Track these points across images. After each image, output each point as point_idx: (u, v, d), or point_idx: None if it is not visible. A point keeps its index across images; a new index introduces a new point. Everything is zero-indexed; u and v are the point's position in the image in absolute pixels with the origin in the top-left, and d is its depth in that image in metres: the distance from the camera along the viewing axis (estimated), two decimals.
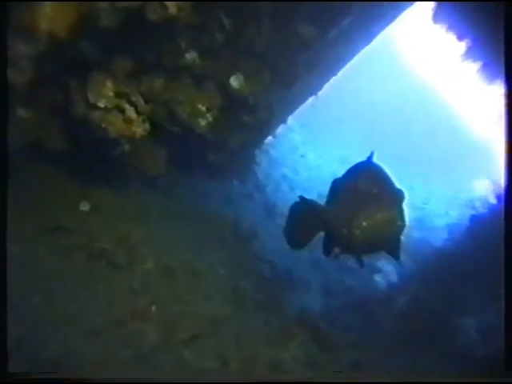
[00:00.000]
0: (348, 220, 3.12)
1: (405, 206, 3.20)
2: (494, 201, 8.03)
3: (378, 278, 8.07)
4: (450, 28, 7.75)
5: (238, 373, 5.01)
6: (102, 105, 5.14)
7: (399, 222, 3.06)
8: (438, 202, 13.53)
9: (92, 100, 5.11)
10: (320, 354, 5.79)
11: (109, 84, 5.18)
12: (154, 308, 5.39)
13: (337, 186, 3.70)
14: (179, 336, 5.22)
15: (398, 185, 3.27)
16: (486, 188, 8.43)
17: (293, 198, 10.16)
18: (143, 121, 5.34)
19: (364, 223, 3.01)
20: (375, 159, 3.65)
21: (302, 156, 13.51)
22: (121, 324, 5.00)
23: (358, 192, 3.17)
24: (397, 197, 3.14)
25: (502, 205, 7.65)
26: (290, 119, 10.69)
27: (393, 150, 13.12)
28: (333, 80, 9.86)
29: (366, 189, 3.14)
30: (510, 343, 3.62)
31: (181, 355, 5.04)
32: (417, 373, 5.59)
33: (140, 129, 5.31)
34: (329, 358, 5.77)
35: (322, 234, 4.01)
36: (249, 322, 5.85)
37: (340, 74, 9.76)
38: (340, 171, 12.27)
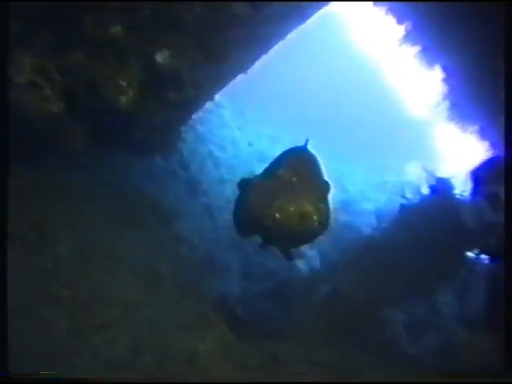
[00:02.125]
0: (263, 209, 2.85)
1: (329, 199, 2.97)
2: (425, 191, 7.94)
3: (300, 263, 7.87)
4: (390, 11, 7.69)
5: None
6: (17, 81, 4.80)
7: (315, 217, 2.78)
8: (366, 184, 13.38)
9: (9, 75, 4.74)
10: (238, 345, 5.77)
11: (26, 59, 4.83)
12: (65, 293, 5.20)
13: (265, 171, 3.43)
14: (91, 322, 5.07)
15: (325, 176, 3.04)
16: (417, 174, 8.35)
17: (217, 175, 10.18)
18: (59, 99, 5.04)
19: (277, 214, 2.77)
20: (309, 146, 3.43)
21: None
22: (31, 311, 4.78)
23: (277, 180, 2.91)
24: (319, 189, 2.93)
25: (434, 196, 7.77)
26: (219, 95, 10.45)
27: (326, 131, 13.11)
28: (264, 57, 9.68)
29: (286, 177, 2.89)
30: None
31: (92, 343, 4.90)
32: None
33: (56, 107, 5.02)
34: (246, 349, 5.76)
35: None
36: (165, 308, 5.75)
37: (273, 52, 9.59)
38: (269, 149, 12.05)
